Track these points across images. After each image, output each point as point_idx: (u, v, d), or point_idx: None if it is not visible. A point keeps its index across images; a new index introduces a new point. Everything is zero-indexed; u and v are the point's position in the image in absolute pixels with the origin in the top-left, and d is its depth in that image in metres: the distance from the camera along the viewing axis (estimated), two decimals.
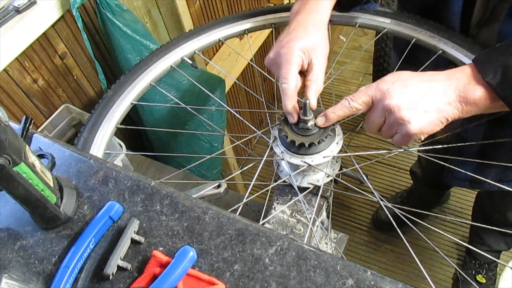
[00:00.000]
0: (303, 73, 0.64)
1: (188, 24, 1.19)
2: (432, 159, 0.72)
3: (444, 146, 0.71)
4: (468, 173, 0.78)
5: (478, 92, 0.54)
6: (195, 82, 0.83)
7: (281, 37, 0.65)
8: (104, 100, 0.70)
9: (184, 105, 0.82)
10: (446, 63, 0.74)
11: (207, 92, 0.83)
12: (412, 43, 0.77)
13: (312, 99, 0.61)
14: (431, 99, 0.55)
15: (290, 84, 0.60)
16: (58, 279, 0.42)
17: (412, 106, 0.54)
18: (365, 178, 0.66)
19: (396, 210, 0.64)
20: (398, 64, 0.85)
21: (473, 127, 0.76)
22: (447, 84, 0.55)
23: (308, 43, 0.63)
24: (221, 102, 1.14)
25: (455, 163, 0.87)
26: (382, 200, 0.64)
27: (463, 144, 0.79)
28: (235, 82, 1.58)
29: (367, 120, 0.60)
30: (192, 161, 1.32)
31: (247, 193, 0.63)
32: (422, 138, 0.57)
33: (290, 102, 0.61)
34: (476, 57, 0.56)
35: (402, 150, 0.78)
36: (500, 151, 0.82)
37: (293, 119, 0.61)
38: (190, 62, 0.78)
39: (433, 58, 0.75)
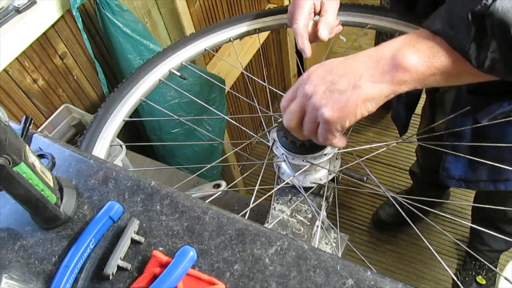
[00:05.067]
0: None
1: (188, 24, 1.19)
2: (431, 146, 0.71)
3: (441, 133, 0.71)
4: (461, 171, 0.78)
5: (413, 53, 0.45)
6: (187, 94, 0.82)
7: None
8: (96, 119, 0.69)
9: (177, 117, 0.82)
10: None
11: (204, 104, 0.83)
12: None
13: (322, 30, 0.67)
14: (349, 77, 0.48)
15: (299, 23, 0.66)
16: (58, 279, 0.42)
17: (329, 88, 0.48)
18: (368, 171, 0.67)
19: (400, 199, 0.64)
20: None
21: (461, 118, 0.76)
22: (372, 55, 0.48)
23: None
24: (218, 111, 1.13)
25: (449, 160, 0.87)
26: (386, 191, 0.64)
27: (456, 130, 0.79)
28: (235, 82, 1.58)
29: (287, 113, 0.53)
30: (192, 161, 1.32)
31: (253, 198, 0.63)
32: (347, 125, 0.50)
33: (300, 39, 0.67)
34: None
35: (400, 141, 0.78)
36: (489, 147, 0.82)
37: (305, 54, 0.67)
38: (178, 74, 0.78)
39: None
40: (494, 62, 0.42)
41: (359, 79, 0.47)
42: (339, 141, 0.56)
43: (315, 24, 0.69)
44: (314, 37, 0.69)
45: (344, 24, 0.83)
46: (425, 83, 0.47)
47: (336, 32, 0.73)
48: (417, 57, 0.46)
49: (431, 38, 0.46)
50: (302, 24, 0.67)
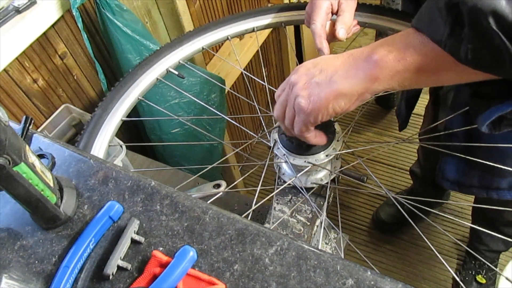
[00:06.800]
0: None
1: (188, 24, 1.19)
2: (429, 146, 0.72)
3: (438, 133, 0.71)
4: (455, 174, 0.77)
5: (385, 50, 0.45)
6: (187, 94, 0.82)
7: None
8: (93, 119, 0.68)
9: (176, 117, 0.82)
10: None
11: (203, 103, 0.83)
12: None
13: (339, 30, 0.67)
14: (327, 71, 0.50)
15: (317, 23, 0.67)
16: (58, 279, 0.42)
17: (309, 80, 0.51)
18: (369, 172, 0.67)
19: (402, 200, 0.64)
20: None
21: (458, 118, 0.76)
22: (353, 53, 0.49)
23: None
24: (218, 112, 1.13)
25: (444, 162, 0.88)
26: (388, 192, 0.64)
27: (453, 131, 0.80)
28: (235, 82, 1.58)
29: (277, 103, 0.56)
30: (192, 161, 1.32)
31: (255, 199, 0.63)
32: (319, 119, 0.52)
33: (318, 39, 0.66)
34: None
35: (401, 141, 0.79)
36: (480, 150, 0.82)
37: (323, 54, 0.66)
38: (176, 72, 0.78)
39: None
40: (471, 53, 0.41)
41: (335, 74, 0.49)
42: (316, 137, 0.57)
43: (333, 24, 0.69)
44: (331, 37, 0.69)
45: None
46: (400, 81, 0.47)
47: (354, 32, 0.73)
48: (388, 51, 0.45)
49: (411, 34, 0.45)
50: (320, 24, 0.67)
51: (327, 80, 0.49)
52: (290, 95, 0.53)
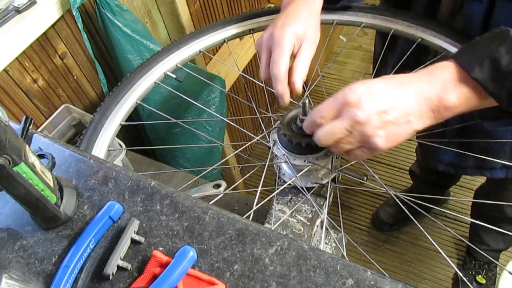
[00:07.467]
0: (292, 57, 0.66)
1: (188, 24, 1.20)
2: (427, 142, 0.73)
3: (436, 130, 0.72)
4: (450, 156, 0.78)
5: (455, 96, 0.50)
6: (184, 96, 0.81)
7: (276, 21, 0.67)
8: (92, 123, 0.68)
9: (175, 120, 0.81)
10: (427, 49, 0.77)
11: (202, 106, 0.82)
12: (391, 34, 0.79)
13: (297, 82, 0.63)
14: (401, 110, 0.50)
15: (281, 68, 0.62)
16: (58, 279, 0.42)
17: (383, 119, 0.50)
18: (370, 170, 0.67)
19: (402, 197, 0.64)
20: (381, 55, 0.86)
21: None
22: (420, 91, 0.51)
23: (301, 29, 0.64)
24: (218, 111, 1.13)
25: (438, 147, 0.89)
26: (389, 189, 0.64)
27: (445, 129, 0.81)
28: (235, 82, 1.58)
29: (326, 131, 0.53)
30: (192, 161, 1.32)
31: (256, 199, 0.63)
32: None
33: (280, 85, 0.63)
34: (458, 52, 0.53)
35: None
36: (476, 135, 0.84)
37: (283, 101, 0.64)
38: (174, 76, 0.77)
39: (413, 47, 0.76)
40: None
41: (410, 114, 0.51)
42: None
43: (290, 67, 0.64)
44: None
45: (338, 23, 0.83)
46: (458, 114, 0.53)
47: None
48: (459, 101, 0.51)
49: (469, 80, 0.50)
50: (284, 70, 0.62)
51: (404, 120, 0.51)
52: (357, 132, 0.51)
